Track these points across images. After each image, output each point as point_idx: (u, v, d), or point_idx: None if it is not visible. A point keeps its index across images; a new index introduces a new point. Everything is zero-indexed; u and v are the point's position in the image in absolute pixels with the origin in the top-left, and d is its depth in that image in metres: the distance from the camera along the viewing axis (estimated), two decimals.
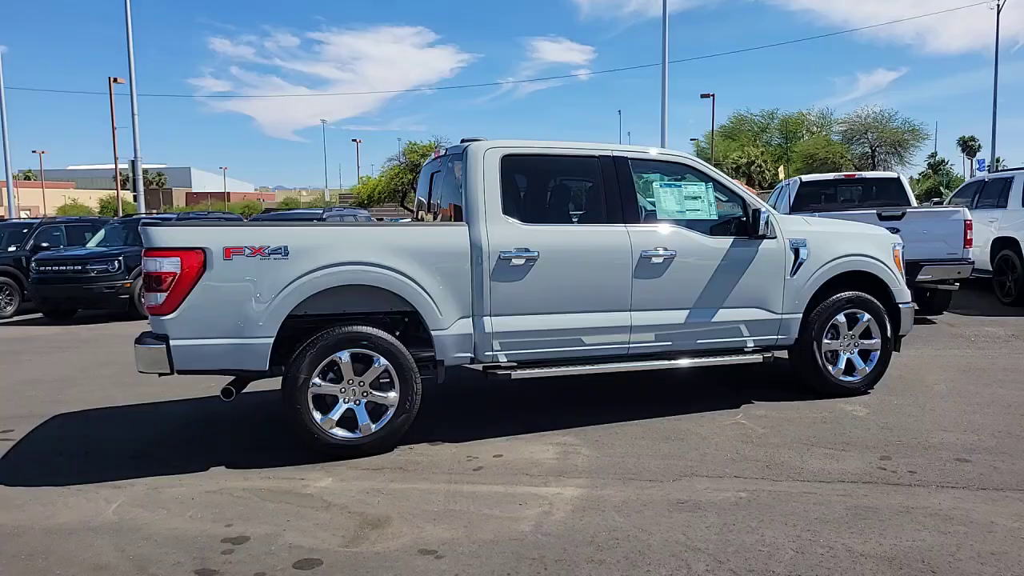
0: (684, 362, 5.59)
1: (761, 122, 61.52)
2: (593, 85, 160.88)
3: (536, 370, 5.19)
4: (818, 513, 3.78)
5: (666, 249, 5.39)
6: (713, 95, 52.40)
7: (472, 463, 4.71)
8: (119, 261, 12.61)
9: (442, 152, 5.79)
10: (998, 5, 35.36)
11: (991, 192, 11.98)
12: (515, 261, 5.06)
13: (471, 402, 6.27)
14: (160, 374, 4.77)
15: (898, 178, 11.64)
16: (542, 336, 5.19)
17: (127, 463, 4.90)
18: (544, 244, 5.12)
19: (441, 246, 4.99)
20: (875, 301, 6.06)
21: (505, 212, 5.12)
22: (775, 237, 5.70)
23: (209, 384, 6.29)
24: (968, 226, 9.65)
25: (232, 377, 4.92)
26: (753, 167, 55.16)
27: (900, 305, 6.20)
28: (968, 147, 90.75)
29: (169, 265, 4.48)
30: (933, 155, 68.23)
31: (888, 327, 6.10)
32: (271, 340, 4.65)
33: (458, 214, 5.37)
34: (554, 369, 5.25)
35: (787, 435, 5.06)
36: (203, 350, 4.57)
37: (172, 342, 4.51)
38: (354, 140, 63.27)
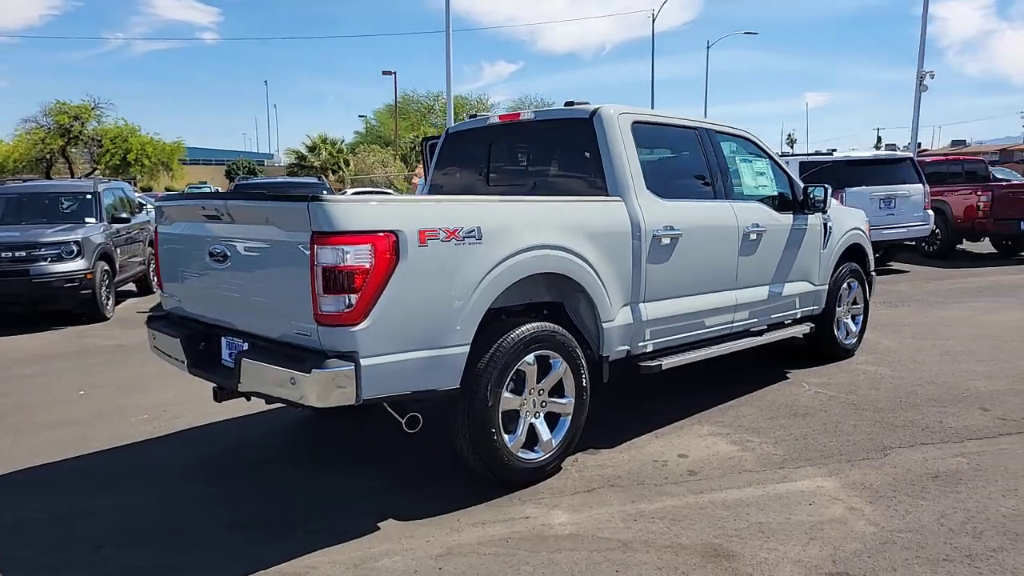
0: (764, 339, 5.60)
1: (427, 103, 63.58)
2: (224, 50, 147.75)
3: (679, 357, 4.79)
4: None
5: (758, 225, 5.32)
6: (395, 72, 52.62)
7: (671, 468, 4.19)
8: None
9: (528, 116, 4.96)
10: (653, 14, 41.00)
11: None
12: (664, 240, 4.58)
13: None
14: (306, 408, 3.46)
15: None
16: (679, 321, 4.79)
17: (238, 538, 3.45)
18: (684, 222, 4.71)
19: (608, 224, 4.31)
20: (861, 271, 6.70)
21: (647, 186, 4.60)
22: (817, 212, 5.96)
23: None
24: None
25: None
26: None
27: (872, 273, 6.94)
28: None
29: (358, 256, 3.21)
30: None
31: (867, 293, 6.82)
32: (467, 348, 3.61)
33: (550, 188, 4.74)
34: (694, 354, 4.89)
35: (880, 400, 5.35)
36: (396, 368, 3.37)
37: (363, 360, 3.25)
38: None
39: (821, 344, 6.42)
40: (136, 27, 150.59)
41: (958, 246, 14.91)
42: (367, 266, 3.22)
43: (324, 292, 3.19)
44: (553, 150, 4.99)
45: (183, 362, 4.03)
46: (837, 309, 6.42)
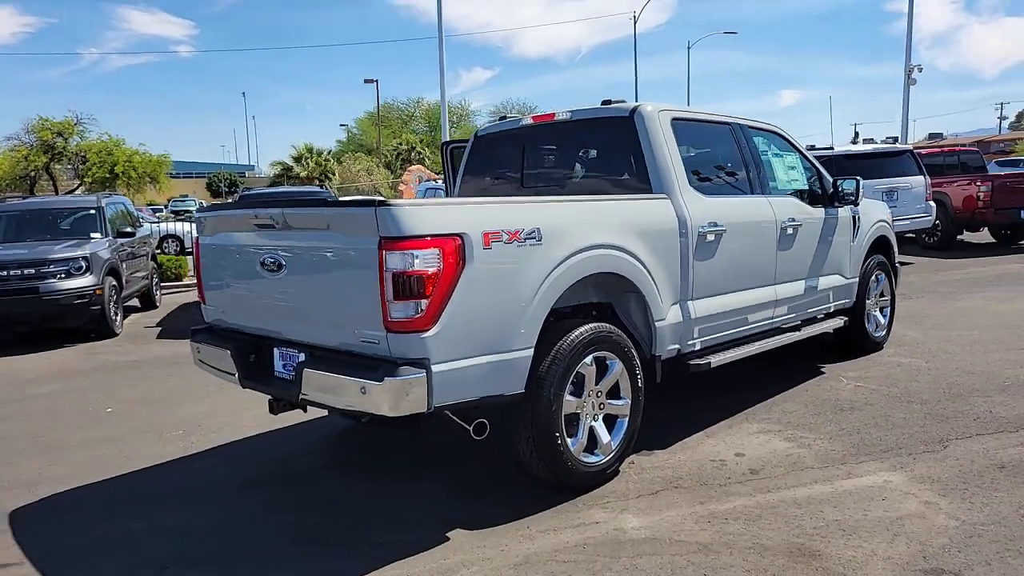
0: (802, 333, 5.56)
1: (408, 110, 63.45)
2: (200, 63, 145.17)
3: (729, 353, 4.74)
4: None
5: (793, 220, 5.29)
6: (376, 80, 52.46)
7: (731, 468, 4.13)
8: None
9: (564, 115, 4.90)
10: (634, 16, 41.13)
11: None
12: (709, 237, 4.53)
13: None
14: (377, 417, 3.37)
15: None
16: (724, 318, 4.74)
17: (307, 552, 3.36)
18: (726, 218, 4.67)
19: (657, 222, 4.26)
20: (888, 263, 6.68)
21: (689, 183, 4.55)
22: (848, 205, 5.94)
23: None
24: None
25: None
26: (413, 153, 56.37)
27: (897, 265, 6.93)
28: None
29: (426, 260, 3.13)
30: None
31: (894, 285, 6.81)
32: (531, 351, 3.55)
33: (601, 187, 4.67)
34: (740, 351, 4.85)
35: (923, 392, 5.32)
36: (464, 374, 3.30)
37: (434, 367, 3.17)
38: None
39: (852, 337, 6.39)
40: (111, 42, 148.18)
41: (958, 237, 14.99)
42: (436, 270, 3.15)
43: (394, 298, 3.11)
44: (591, 149, 4.93)
45: (234, 375, 3.93)
46: (867, 302, 6.39)
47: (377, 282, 3.13)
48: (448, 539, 3.43)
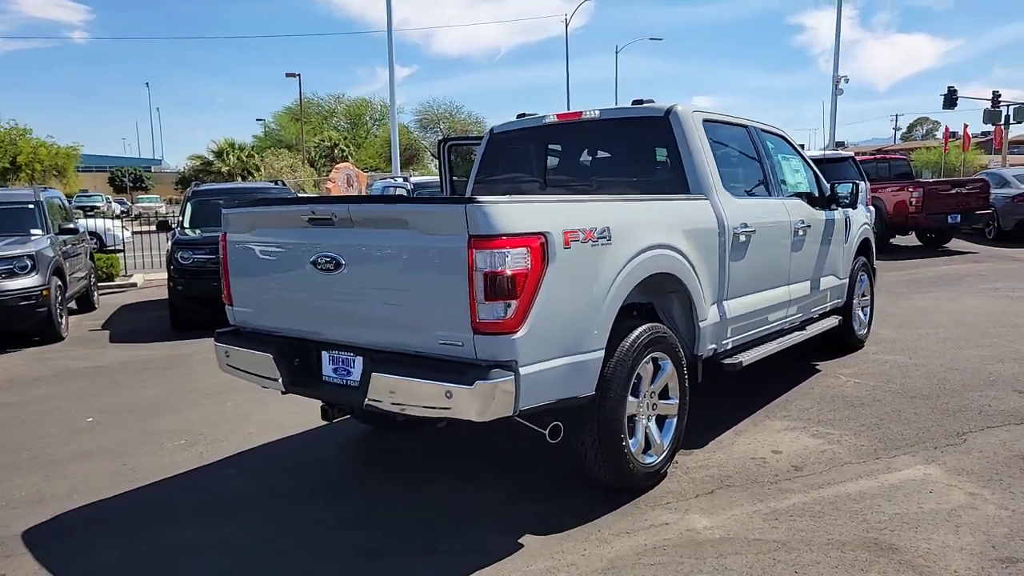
0: (808, 332, 5.71)
1: (329, 106, 62.26)
2: (97, 51, 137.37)
3: (756, 352, 4.81)
4: None
5: (803, 222, 5.43)
6: (299, 75, 51.11)
7: (774, 465, 4.19)
8: None
9: (592, 114, 4.86)
10: (566, 19, 41.57)
11: None
12: (741, 238, 4.59)
13: None
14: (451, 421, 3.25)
15: None
16: (751, 317, 4.82)
17: (379, 566, 3.21)
18: (754, 219, 4.74)
19: (701, 223, 4.28)
20: (868, 264, 6.95)
21: (722, 184, 4.60)
22: (845, 208, 6.13)
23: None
24: None
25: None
26: (336, 150, 55.24)
27: (875, 266, 7.21)
28: None
29: (516, 260, 3.04)
30: None
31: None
32: (603, 352, 3.50)
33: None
34: (765, 349, 4.92)
35: (921, 387, 5.54)
36: (546, 376, 3.22)
37: (522, 369, 3.08)
38: None
39: (841, 336, 6.60)
40: None
41: (890, 240, 15.77)
42: (525, 270, 3.06)
43: (485, 299, 3.00)
44: (621, 149, 4.92)
45: (276, 380, 3.72)
46: (853, 302, 6.63)
47: (465, 282, 3.02)
48: (522, 545, 3.34)
